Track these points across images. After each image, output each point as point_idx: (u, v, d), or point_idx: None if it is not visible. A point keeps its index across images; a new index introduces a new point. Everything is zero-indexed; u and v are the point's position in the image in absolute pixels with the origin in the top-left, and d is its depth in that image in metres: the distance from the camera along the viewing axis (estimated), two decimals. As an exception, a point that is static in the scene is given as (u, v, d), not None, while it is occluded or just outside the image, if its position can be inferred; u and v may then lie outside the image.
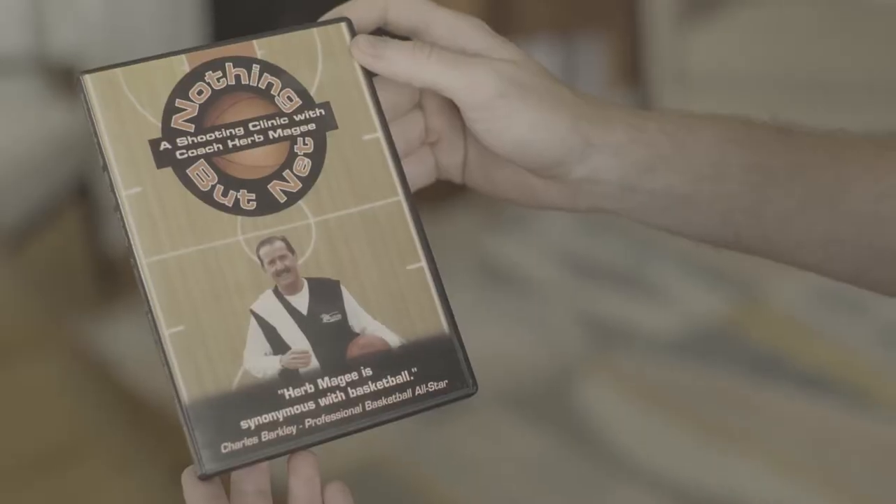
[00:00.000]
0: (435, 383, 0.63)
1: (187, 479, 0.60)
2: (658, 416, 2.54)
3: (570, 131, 0.65)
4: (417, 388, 0.63)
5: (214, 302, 0.61)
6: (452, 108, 0.69)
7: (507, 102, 0.64)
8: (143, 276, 0.62)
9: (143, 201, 0.62)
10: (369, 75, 0.67)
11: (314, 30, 0.67)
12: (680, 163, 0.66)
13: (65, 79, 2.96)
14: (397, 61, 0.65)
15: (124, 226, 0.62)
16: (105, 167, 0.63)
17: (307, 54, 0.66)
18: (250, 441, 0.60)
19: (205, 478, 0.60)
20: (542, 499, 2.35)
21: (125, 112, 0.63)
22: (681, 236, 0.69)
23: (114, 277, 3.06)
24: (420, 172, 0.70)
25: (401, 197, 0.66)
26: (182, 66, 0.65)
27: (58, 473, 1.74)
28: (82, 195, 2.94)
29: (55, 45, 3.07)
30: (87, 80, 0.64)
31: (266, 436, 0.60)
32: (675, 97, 3.51)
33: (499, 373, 2.66)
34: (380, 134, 0.66)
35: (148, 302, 0.61)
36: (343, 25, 0.67)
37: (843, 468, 2.38)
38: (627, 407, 2.58)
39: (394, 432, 2.51)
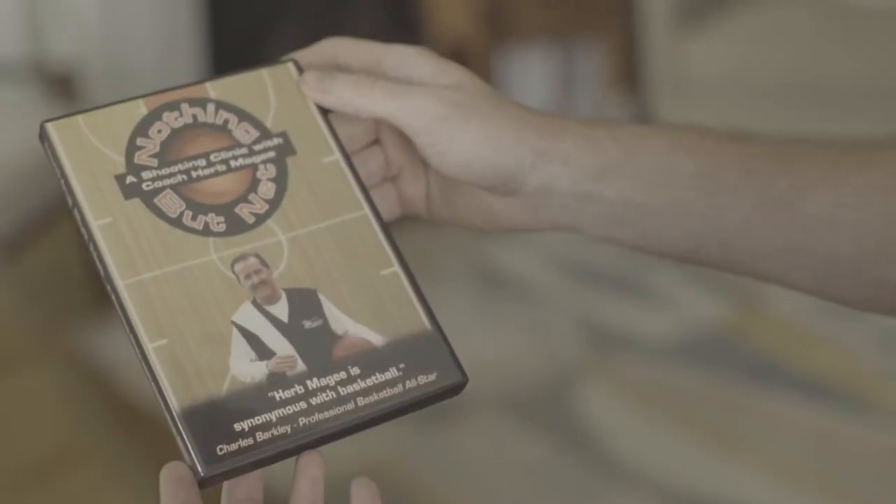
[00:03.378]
0: (424, 376, 0.64)
1: (168, 487, 0.59)
2: (657, 421, 2.54)
3: (516, 143, 0.66)
4: (407, 381, 0.63)
5: (195, 315, 0.62)
6: (409, 140, 0.71)
7: (450, 124, 0.66)
8: (120, 297, 0.63)
9: (114, 230, 0.64)
10: (322, 108, 0.70)
11: (263, 70, 0.70)
12: (631, 169, 0.67)
13: (61, 87, 2.95)
14: (343, 95, 0.68)
15: (98, 255, 0.64)
16: (74, 204, 0.65)
17: (259, 91, 0.69)
18: (245, 442, 0.59)
19: (204, 483, 0.59)
20: (541, 505, 2.35)
21: (89, 153, 0.65)
22: (643, 252, 0.70)
23: (111, 285, 3.05)
24: (384, 208, 0.71)
25: (366, 210, 0.67)
26: (140, 109, 0.67)
27: (55, 482, 1.74)
28: (79, 203, 2.93)
29: (51, 52, 3.07)
30: (50, 127, 0.66)
31: (261, 436, 0.60)
32: (673, 103, 3.51)
33: (498, 378, 2.66)
34: (338, 156, 0.68)
35: (128, 321, 0.62)
36: (290, 65, 0.71)
37: (843, 474, 2.37)
38: (626, 412, 2.57)
39: (391, 437, 2.50)
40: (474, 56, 3.63)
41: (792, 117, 3.39)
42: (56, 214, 2.87)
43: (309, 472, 0.61)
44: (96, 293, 3.06)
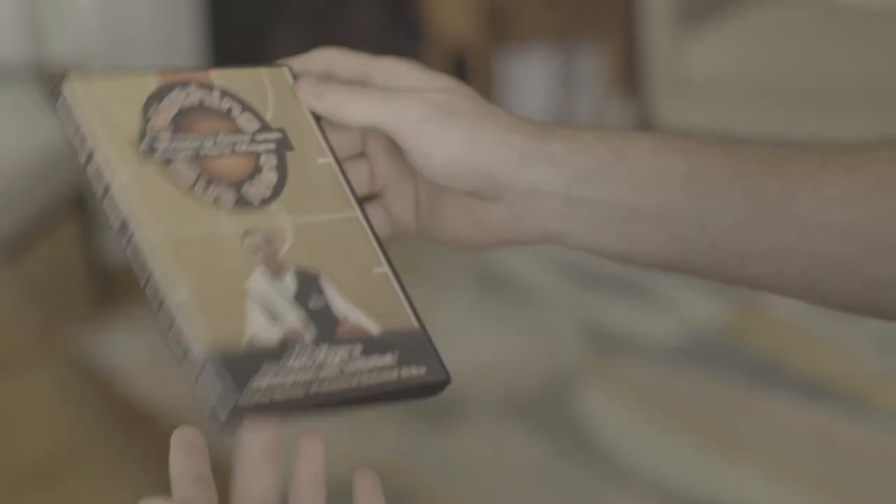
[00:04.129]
0: (416, 368, 0.66)
1: (179, 453, 0.59)
2: (657, 422, 2.54)
3: (501, 144, 0.67)
4: (402, 370, 0.65)
5: (211, 276, 0.63)
6: (396, 151, 0.72)
7: (435, 125, 0.67)
8: (140, 247, 0.63)
9: (130, 189, 0.64)
10: (315, 115, 0.72)
11: (261, 69, 0.72)
12: (620, 172, 0.67)
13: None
14: (334, 102, 0.70)
15: (116, 206, 0.64)
16: (89, 159, 0.65)
17: (258, 88, 0.71)
18: (263, 399, 0.61)
19: (223, 429, 0.60)
20: (541, 506, 2.35)
21: (104, 114, 0.66)
22: (630, 262, 0.70)
23: (110, 287, 3.06)
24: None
25: (357, 213, 0.70)
26: (152, 81, 0.68)
27: (55, 483, 1.74)
28: (79, 205, 2.93)
29: (52, 53, 3.07)
30: (66, 86, 0.67)
31: (277, 396, 0.61)
32: (673, 103, 3.51)
33: (498, 380, 2.66)
34: (331, 159, 0.71)
35: (148, 271, 0.62)
36: (286, 70, 0.72)
37: (843, 475, 2.37)
38: (626, 413, 2.58)
39: (391, 437, 2.50)
40: (475, 57, 3.63)
41: (792, 118, 3.40)
42: (56, 215, 2.87)
43: (310, 450, 0.61)
44: (96, 293, 3.07)
